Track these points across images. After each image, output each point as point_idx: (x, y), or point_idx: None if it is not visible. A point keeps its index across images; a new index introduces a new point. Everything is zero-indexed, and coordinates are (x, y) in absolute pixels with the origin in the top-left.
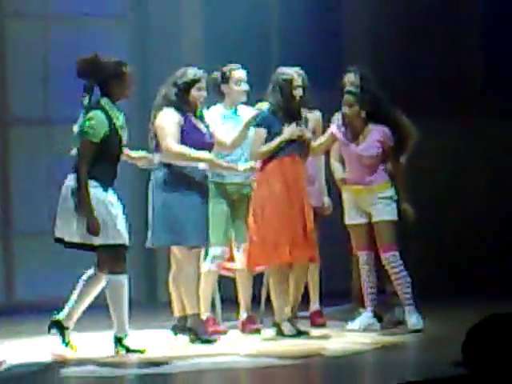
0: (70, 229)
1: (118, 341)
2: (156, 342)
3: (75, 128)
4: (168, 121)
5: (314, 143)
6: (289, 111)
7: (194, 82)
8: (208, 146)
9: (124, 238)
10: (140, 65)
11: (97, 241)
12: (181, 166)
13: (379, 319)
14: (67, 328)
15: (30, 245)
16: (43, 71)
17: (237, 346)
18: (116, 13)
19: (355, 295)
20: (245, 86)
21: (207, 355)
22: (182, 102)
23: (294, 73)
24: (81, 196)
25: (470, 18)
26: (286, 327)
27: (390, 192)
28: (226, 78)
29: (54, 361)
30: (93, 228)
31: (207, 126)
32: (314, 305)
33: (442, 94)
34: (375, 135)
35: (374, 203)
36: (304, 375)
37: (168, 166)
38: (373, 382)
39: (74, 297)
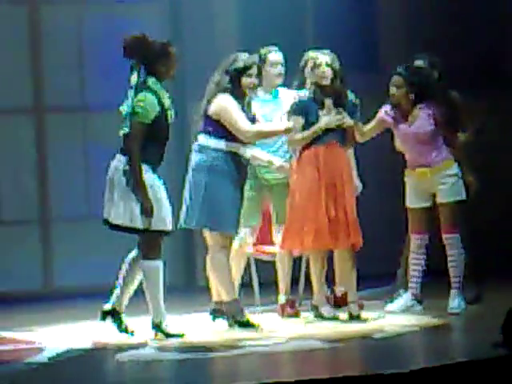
0: (116, 210)
1: (157, 326)
2: (195, 326)
3: (123, 109)
4: (231, 104)
5: (363, 128)
6: (323, 96)
7: (245, 68)
8: None
9: (167, 224)
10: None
11: (140, 225)
12: (224, 150)
13: (420, 302)
14: (120, 313)
15: (68, 230)
16: (78, 57)
17: (277, 330)
18: None
19: (401, 277)
20: (280, 69)
21: (248, 339)
22: (235, 88)
23: (320, 55)
24: (135, 177)
25: None
26: (326, 310)
27: (456, 169)
28: (262, 61)
29: (95, 347)
30: (146, 210)
31: (253, 116)
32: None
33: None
34: (425, 111)
35: (441, 183)
36: (345, 357)
37: (212, 149)
38: (413, 363)
39: (120, 281)
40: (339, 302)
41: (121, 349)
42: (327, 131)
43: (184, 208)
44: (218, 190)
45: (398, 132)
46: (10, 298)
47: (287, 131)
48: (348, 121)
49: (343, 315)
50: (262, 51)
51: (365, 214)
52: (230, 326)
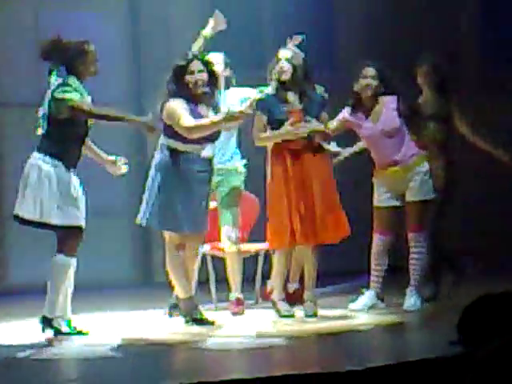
0: (27, 206)
1: (48, 321)
2: (152, 323)
3: (40, 111)
4: (175, 106)
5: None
6: (285, 91)
7: (183, 67)
8: (211, 136)
9: (79, 221)
10: (132, 50)
11: (53, 221)
12: (182, 150)
13: (382, 300)
14: (52, 319)
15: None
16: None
17: (231, 328)
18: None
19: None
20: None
21: (208, 336)
22: (182, 88)
23: (281, 51)
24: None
25: None
26: (283, 307)
27: (426, 166)
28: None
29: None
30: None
31: (216, 111)
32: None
33: None
34: (389, 106)
35: (411, 180)
36: (302, 355)
37: (170, 149)
38: (369, 361)
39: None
40: (291, 299)
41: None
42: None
43: (142, 205)
44: (170, 189)
45: (364, 131)
46: None
47: (227, 120)
48: (316, 127)
49: (300, 312)
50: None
51: None
52: (187, 322)
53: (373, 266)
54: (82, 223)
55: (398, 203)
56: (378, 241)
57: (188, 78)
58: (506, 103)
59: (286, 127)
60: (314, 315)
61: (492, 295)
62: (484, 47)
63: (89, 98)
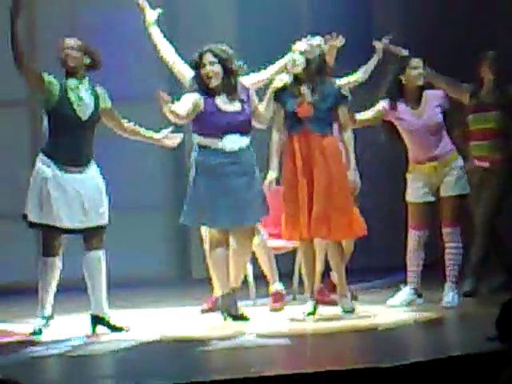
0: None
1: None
2: (190, 319)
3: None
4: (183, 98)
5: (357, 116)
6: (297, 84)
7: (196, 63)
8: (233, 126)
9: (57, 220)
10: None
11: (31, 217)
12: (209, 147)
13: (420, 296)
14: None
15: None
16: None
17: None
18: None
19: None
20: None
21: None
22: (197, 83)
23: (298, 43)
24: None
25: None
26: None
27: (461, 161)
28: None
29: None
30: None
31: (243, 105)
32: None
33: None
34: (431, 102)
35: (446, 176)
36: (341, 350)
37: (199, 145)
38: (407, 357)
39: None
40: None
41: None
42: (299, 120)
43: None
44: (201, 185)
45: (406, 125)
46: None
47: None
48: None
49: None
50: None
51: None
52: (225, 319)
53: (409, 262)
54: (59, 223)
55: (432, 198)
56: (413, 236)
57: (201, 71)
58: None
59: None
60: (352, 311)
61: None
62: None
63: (84, 94)
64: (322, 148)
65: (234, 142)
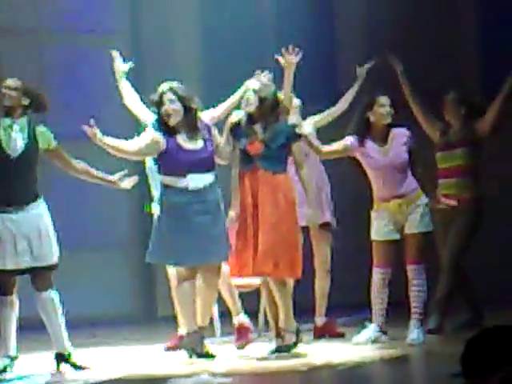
0: None
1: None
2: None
3: None
4: (144, 138)
5: (323, 147)
6: (250, 122)
7: (159, 99)
8: (196, 165)
9: (5, 263)
10: (135, 79)
11: None
12: (172, 186)
13: (385, 333)
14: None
15: None
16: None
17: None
18: (108, 28)
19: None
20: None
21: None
22: (163, 121)
23: (251, 81)
24: None
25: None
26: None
27: (425, 199)
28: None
29: None
30: None
31: (205, 142)
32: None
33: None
34: (399, 137)
35: (410, 213)
36: None
37: (163, 185)
38: None
39: None
40: (319, 332)
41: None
42: (250, 157)
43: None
44: (166, 223)
45: (372, 162)
46: None
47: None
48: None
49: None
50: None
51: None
52: (190, 357)
53: (374, 299)
54: (9, 265)
55: (397, 236)
56: (378, 274)
57: (161, 109)
58: None
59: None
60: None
61: (495, 328)
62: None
63: (16, 133)
64: (272, 186)
65: (197, 180)
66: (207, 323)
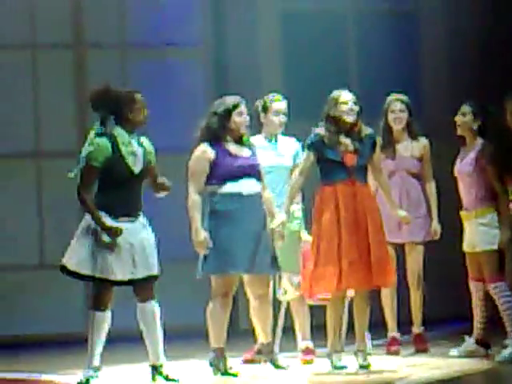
0: (68, 255)
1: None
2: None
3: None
4: (196, 161)
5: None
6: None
7: (234, 107)
8: (247, 170)
9: (113, 274)
10: (219, 93)
11: (83, 271)
12: (222, 192)
13: (486, 346)
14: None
15: None
16: None
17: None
18: (193, 41)
19: None
20: (283, 118)
21: None
22: (223, 129)
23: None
24: (93, 218)
25: None
26: (336, 359)
27: (490, 217)
28: (265, 108)
29: None
30: (115, 233)
31: (253, 152)
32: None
33: None
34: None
35: (475, 230)
36: None
37: (210, 193)
38: None
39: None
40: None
41: None
42: (343, 168)
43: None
44: (219, 233)
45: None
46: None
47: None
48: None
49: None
50: (266, 98)
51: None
52: (214, 373)
53: (476, 313)
54: (118, 277)
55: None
56: (472, 286)
57: (236, 119)
58: None
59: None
60: (367, 367)
61: None
62: None
63: (136, 148)
64: (370, 197)
65: (250, 186)
66: (270, 339)
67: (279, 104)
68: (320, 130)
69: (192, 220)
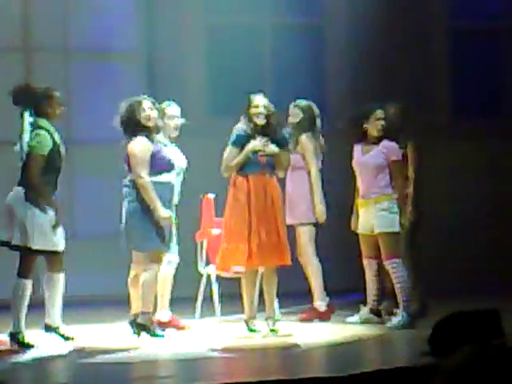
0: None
1: (13, 335)
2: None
3: (17, 148)
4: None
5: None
6: (256, 130)
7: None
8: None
9: (60, 244)
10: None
11: (37, 246)
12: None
13: (378, 315)
14: (57, 327)
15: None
16: (64, 99)
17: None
18: (127, 47)
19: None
20: (177, 122)
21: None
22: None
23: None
24: (41, 197)
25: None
26: (251, 324)
27: (387, 204)
28: (161, 114)
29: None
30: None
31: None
32: None
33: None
34: (381, 147)
35: (374, 215)
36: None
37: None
38: (346, 369)
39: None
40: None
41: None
42: (258, 163)
43: (123, 233)
44: (140, 214)
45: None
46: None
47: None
48: (272, 148)
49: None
50: (162, 105)
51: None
52: (138, 334)
53: (368, 287)
54: (62, 247)
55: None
56: (366, 264)
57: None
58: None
59: (249, 146)
60: (274, 331)
61: (460, 313)
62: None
63: (58, 136)
64: (275, 187)
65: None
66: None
67: (172, 109)
68: (242, 127)
69: (153, 200)
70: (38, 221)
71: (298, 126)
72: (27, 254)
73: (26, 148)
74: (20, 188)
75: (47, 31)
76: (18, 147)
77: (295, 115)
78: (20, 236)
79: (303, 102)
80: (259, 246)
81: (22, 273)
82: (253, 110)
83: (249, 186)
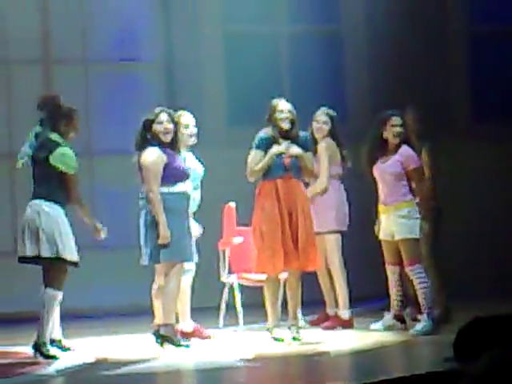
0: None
1: (38, 346)
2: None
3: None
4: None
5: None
6: (280, 134)
7: (155, 117)
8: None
9: (74, 255)
10: (169, 104)
11: (45, 254)
12: (162, 192)
13: (402, 321)
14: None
15: None
16: (84, 109)
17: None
18: (146, 58)
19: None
20: (192, 130)
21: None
22: (150, 137)
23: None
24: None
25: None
26: (275, 332)
27: (407, 210)
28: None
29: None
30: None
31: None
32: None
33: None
34: (398, 156)
35: (393, 222)
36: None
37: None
38: (369, 376)
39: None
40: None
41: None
42: (283, 166)
43: (142, 246)
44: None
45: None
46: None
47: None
48: (296, 150)
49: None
50: (176, 114)
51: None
52: (161, 345)
53: (392, 293)
54: (75, 257)
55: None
56: (389, 270)
57: (155, 127)
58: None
59: (273, 149)
60: (297, 339)
61: (485, 318)
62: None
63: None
64: (301, 191)
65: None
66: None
67: (186, 118)
68: (267, 132)
69: (160, 215)
70: (67, 232)
71: (328, 133)
72: (59, 266)
73: (29, 152)
74: (38, 201)
75: (67, 43)
76: (24, 160)
77: (326, 122)
78: (50, 248)
79: (331, 110)
80: (296, 249)
81: (54, 284)
82: (278, 115)
83: (277, 191)
